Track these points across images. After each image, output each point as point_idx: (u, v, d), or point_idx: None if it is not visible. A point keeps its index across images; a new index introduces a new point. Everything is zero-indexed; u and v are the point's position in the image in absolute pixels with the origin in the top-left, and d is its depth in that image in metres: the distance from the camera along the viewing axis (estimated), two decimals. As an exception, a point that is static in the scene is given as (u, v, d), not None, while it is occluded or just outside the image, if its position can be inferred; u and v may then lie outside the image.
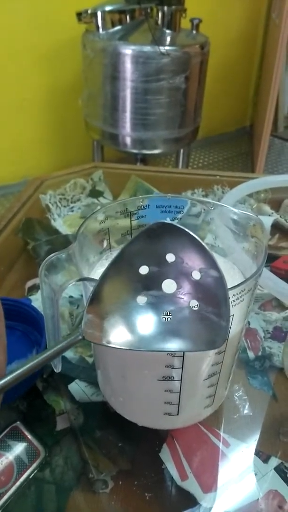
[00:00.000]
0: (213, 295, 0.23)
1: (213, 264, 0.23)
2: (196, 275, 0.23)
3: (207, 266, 0.23)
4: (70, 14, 1.38)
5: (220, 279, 0.23)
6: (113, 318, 0.24)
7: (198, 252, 0.23)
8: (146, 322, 0.24)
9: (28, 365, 0.23)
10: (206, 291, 0.23)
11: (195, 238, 0.23)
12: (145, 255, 0.24)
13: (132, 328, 0.24)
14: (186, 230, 0.22)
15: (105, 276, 0.24)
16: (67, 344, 0.25)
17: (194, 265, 0.23)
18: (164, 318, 0.24)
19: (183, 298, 0.24)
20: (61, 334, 0.31)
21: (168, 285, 0.24)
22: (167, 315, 0.24)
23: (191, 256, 0.23)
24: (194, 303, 0.24)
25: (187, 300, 0.24)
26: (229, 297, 0.23)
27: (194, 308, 0.24)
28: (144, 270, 0.24)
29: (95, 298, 0.24)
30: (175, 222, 0.23)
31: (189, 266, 0.23)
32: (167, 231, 0.23)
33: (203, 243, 0.23)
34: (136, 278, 0.24)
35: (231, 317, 0.27)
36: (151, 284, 0.24)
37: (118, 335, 0.24)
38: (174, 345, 0.24)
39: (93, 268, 0.33)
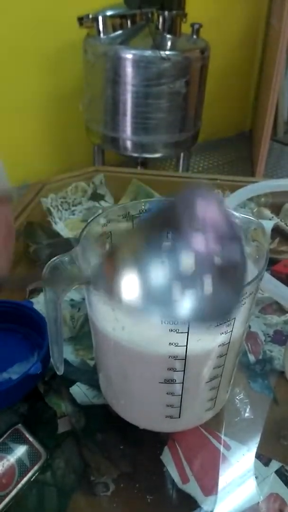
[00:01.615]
0: (229, 279, 0.23)
1: (239, 252, 0.23)
2: (217, 260, 0.23)
3: (231, 252, 0.23)
4: (71, 19, 1.39)
5: (243, 266, 0.23)
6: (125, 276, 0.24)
7: (226, 229, 0.23)
8: (157, 289, 0.24)
9: None
10: (224, 272, 0.23)
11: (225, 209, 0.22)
12: (173, 224, 0.23)
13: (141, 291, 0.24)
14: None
15: (126, 235, 0.24)
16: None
17: (219, 244, 0.23)
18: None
19: (198, 278, 0.23)
20: (63, 337, 0.31)
21: (186, 263, 0.24)
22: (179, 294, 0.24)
23: (218, 233, 0.23)
24: (208, 285, 0.23)
25: (201, 281, 0.23)
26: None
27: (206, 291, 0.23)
28: (167, 242, 0.24)
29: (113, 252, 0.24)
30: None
31: (213, 247, 0.23)
32: (203, 203, 0.23)
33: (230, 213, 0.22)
34: (159, 248, 0.24)
35: (233, 320, 0.27)
36: (170, 257, 0.24)
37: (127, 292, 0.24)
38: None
39: (95, 271, 0.33)
